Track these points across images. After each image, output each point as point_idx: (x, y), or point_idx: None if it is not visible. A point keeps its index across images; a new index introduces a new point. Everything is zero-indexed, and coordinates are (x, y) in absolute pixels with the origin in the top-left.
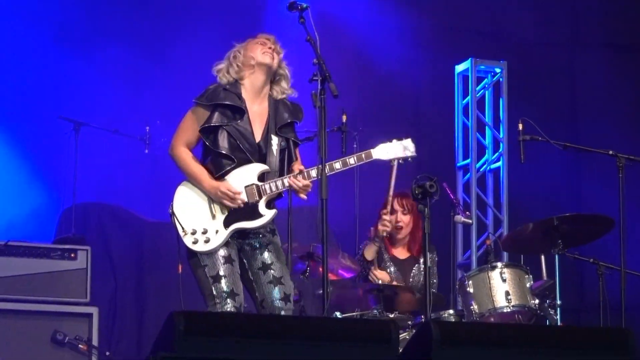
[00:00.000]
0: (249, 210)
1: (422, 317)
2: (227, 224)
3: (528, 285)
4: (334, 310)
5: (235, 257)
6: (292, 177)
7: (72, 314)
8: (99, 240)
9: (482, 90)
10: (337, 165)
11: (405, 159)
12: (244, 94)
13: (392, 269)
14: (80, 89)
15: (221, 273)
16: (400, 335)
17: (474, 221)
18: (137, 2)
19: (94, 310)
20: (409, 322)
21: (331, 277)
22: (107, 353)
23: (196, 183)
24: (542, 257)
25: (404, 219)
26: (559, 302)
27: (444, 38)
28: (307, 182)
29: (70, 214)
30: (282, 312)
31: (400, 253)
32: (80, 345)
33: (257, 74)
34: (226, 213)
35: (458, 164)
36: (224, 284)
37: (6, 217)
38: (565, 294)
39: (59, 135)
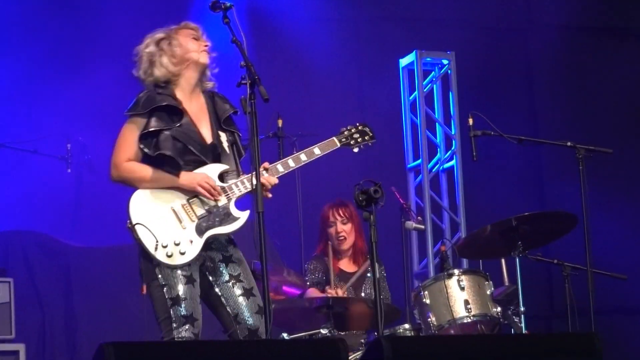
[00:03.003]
0: (221, 215)
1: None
2: (200, 231)
3: (489, 292)
4: (281, 332)
5: (196, 276)
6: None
7: None
8: (22, 271)
9: (430, 85)
10: (303, 156)
11: (366, 144)
12: (179, 94)
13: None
14: None
15: (181, 295)
16: (352, 355)
17: (428, 226)
18: (50, 10)
19: (20, 348)
20: (362, 340)
21: (276, 297)
22: None
23: (163, 185)
24: (503, 262)
25: (345, 228)
26: (522, 308)
27: (384, 29)
28: (275, 179)
29: None
30: (259, 327)
31: (348, 266)
32: None
33: (191, 72)
34: (196, 220)
35: (408, 166)
36: (183, 307)
37: None
38: (533, 300)
39: None
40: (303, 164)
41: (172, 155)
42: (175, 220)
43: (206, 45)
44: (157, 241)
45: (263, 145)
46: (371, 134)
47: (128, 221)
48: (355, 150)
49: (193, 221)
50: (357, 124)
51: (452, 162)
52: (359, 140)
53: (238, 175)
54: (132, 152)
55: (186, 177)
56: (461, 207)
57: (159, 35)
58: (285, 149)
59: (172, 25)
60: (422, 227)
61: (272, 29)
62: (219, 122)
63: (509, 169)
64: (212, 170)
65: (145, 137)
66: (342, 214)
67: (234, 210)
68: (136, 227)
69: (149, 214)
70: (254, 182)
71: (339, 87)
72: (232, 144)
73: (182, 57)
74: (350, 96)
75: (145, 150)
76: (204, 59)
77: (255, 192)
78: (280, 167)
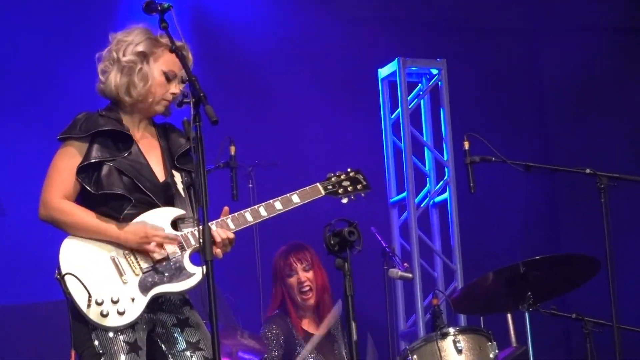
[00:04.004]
0: (171, 269)
1: None
2: (144, 288)
3: (492, 355)
4: None
5: (142, 344)
6: (218, 225)
7: None
8: None
9: (416, 100)
10: (278, 205)
11: (358, 194)
12: (126, 120)
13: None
14: None
15: None
16: None
17: (417, 275)
18: None
19: None
20: None
21: None
22: None
23: (100, 237)
24: (509, 317)
25: (309, 276)
26: None
27: (359, 34)
28: (231, 234)
29: None
30: None
31: (313, 327)
32: None
33: (141, 107)
34: (140, 274)
35: (391, 200)
36: None
37: None
38: None
39: None
40: (278, 213)
41: (123, 192)
42: (115, 273)
43: (173, 94)
44: (90, 296)
45: (212, 177)
46: (365, 183)
47: (57, 271)
48: (344, 201)
49: (137, 275)
50: (348, 170)
51: (445, 195)
52: (350, 189)
53: (195, 224)
54: (67, 185)
55: (130, 231)
56: (457, 250)
57: (138, 48)
58: (239, 181)
59: (159, 36)
60: (410, 275)
61: (222, 36)
62: (173, 159)
63: (515, 203)
64: (164, 215)
65: (85, 169)
66: (302, 259)
67: (188, 265)
68: (66, 277)
69: (84, 263)
70: (215, 231)
71: (305, 106)
72: (188, 186)
73: (140, 93)
74: (318, 116)
75: (85, 185)
76: (160, 108)
77: (216, 243)
78: (249, 216)
